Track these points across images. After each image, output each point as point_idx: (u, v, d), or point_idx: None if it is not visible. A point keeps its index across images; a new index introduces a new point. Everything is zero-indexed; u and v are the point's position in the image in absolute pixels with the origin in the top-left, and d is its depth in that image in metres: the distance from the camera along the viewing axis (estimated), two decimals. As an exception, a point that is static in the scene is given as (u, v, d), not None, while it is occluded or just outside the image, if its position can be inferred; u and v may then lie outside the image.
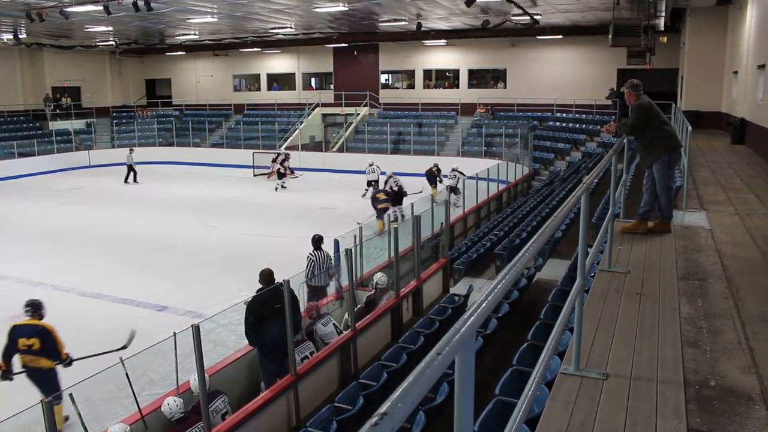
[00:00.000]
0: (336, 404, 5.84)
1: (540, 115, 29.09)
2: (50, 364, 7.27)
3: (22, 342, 7.26)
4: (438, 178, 21.01)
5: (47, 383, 7.21)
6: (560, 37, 26.87)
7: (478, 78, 32.00)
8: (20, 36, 27.44)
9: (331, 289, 9.93)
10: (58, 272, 14.14)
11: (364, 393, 5.96)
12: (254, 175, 27.80)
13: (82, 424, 5.33)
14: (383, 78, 33.73)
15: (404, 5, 21.02)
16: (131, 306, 11.97)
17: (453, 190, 18.67)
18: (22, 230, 17.95)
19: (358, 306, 8.65)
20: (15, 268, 14.38)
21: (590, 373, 3.54)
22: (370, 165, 21.94)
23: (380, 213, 16.74)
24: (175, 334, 6.09)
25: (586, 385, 3.44)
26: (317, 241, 10.04)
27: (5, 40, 29.10)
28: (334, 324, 7.97)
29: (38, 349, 7.23)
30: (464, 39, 28.96)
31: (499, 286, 1.92)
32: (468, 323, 1.65)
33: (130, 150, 27.70)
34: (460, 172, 19.94)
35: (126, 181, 26.38)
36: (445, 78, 33.02)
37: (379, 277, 9.04)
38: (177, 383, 6.42)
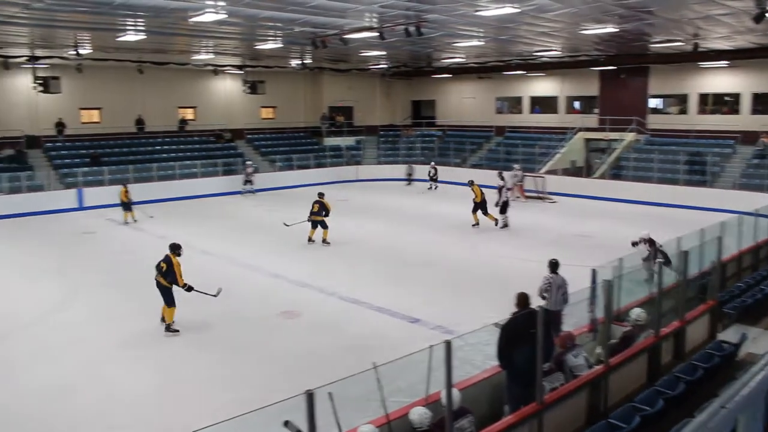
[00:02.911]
0: (583, 441, 5.60)
1: (842, 146, 25.39)
2: (167, 283, 11.53)
3: (158, 265, 11.70)
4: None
5: (167, 294, 11.58)
6: None
7: (763, 103, 28.85)
8: (305, 61, 30.54)
9: (575, 318, 9.64)
10: (326, 276, 15.42)
11: (615, 434, 5.65)
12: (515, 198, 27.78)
13: (336, 420, 5.69)
14: (652, 102, 31.87)
15: (680, 24, 19.69)
16: (386, 315, 12.62)
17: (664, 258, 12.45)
18: (299, 237, 19.72)
19: (613, 341, 8.22)
20: (290, 270, 15.99)
21: None
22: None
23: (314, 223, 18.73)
24: (431, 347, 6.29)
25: None
26: (554, 264, 10.32)
27: (293, 65, 32.57)
28: (585, 356, 7.67)
29: (165, 270, 11.52)
30: (749, 60, 26.31)
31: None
32: (758, 377, 1.48)
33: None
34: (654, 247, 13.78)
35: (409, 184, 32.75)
36: (723, 103, 30.26)
37: (638, 313, 8.53)
38: (426, 394, 6.60)
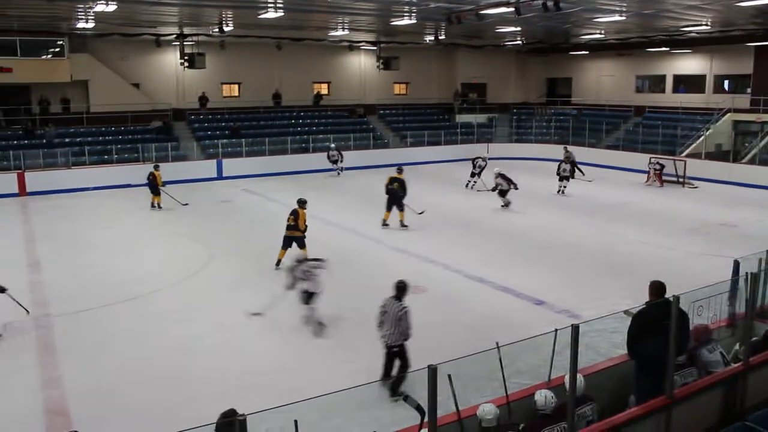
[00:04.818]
0: (715, 441, 5.27)
1: None
2: None
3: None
4: None
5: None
6: None
7: None
8: (440, 37, 30.39)
9: (712, 311, 9.04)
10: (451, 253, 15.41)
11: (752, 437, 5.28)
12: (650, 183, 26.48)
13: (454, 398, 5.70)
14: (815, 81, 29.16)
15: None
16: (510, 295, 12.47)
17: None
18: (427, 212, 19.62)
19: (754, 338, 7.67)
20: (417, 246, 16.11)
21: None
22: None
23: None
24: (556, 330, 6.15)
25: None
26: (398, 288, 8.75)
27: (427, 41, 32.50)
28: (721, 352, 7.21)
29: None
30: None
31: None
32: None
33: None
34: None
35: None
36: None
37: (785, 310, 7.90)
38: (549, 378, 6.49)
